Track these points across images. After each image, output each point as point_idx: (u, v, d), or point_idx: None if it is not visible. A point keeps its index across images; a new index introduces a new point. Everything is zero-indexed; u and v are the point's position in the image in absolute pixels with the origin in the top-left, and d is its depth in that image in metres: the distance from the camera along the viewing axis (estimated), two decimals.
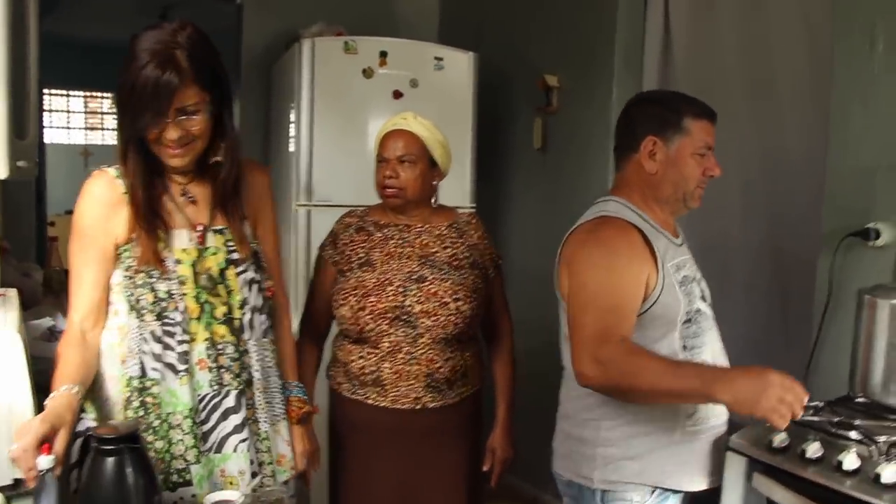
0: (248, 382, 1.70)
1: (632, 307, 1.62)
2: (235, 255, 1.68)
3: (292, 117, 3.12)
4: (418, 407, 1.99)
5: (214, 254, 1.65)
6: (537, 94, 3.42)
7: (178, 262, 1.61)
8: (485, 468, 2.14)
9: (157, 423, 1.60)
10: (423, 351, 1.98)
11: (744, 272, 2.76)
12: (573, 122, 3.29)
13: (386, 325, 1.97)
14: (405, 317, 1.96)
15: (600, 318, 1.55)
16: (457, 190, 3.31)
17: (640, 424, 1.68)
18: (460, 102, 3.30)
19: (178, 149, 1.56)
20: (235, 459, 1.66)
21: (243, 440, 1.66)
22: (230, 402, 1.66)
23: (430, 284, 1.99)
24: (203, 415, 1.64)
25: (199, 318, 1.63)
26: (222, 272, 1.66)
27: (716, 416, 1.74)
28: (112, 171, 1.61)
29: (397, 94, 3.14)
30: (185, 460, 1.61)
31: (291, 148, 3.14)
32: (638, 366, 1.47)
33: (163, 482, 1.55)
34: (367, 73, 3.10)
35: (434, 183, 2.10)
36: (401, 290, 1.98)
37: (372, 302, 1.97)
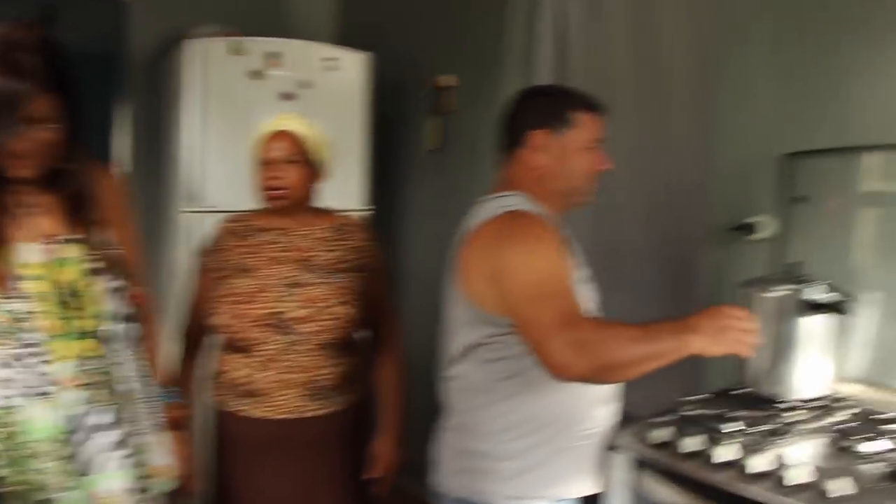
0: (124, 395, 1.62)
1: (574, 291, 1.53)
2: (96, 265, 1.59)
3: (179, 121, 3.00)
4: (300, 417, 1.93)
5: (72, 265, 1.56)
6: (434, 95, 3.40)
7: (32, 277, 1.52)
8: (371, 475, 2.09)
9: (18, 452, 1.50)
10: (303, 358, 1.92)
11: (633, 270, 2.79)
12: (469, 123, 3.27)
13: (263, 332, 1.91)
14: (283, 323, 1.91)
15: (555, 305, 1.43)
16: (351, 192, 3.27)
17: (541, 432, 1.63)
18: (354, 104, 3.25)
19: (27, 160, 1.46)
20: (116, 478, 1.58)
21: (123, 457, 1.59)
22: (105, 418, 1.58)
23: (308, 289, 1.93)
24: (74, 436, 1.54)
25: (62, 335, 1.54)
26: (83, 284, 1.57)
27: (606, 419, 1.73)
28: None
29: (288, 96, 3.07)
30: (53, 489, 1.52)
31: (179, 153, 3.02)
32: (615, 337, 1.39)
33: None
34: (256, 74, 3.01)
35: (317, 185, 2.06)
36: (278, 295, 1.92)
37: (248, 309, 1.91)
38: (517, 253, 1.53)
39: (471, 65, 3.30)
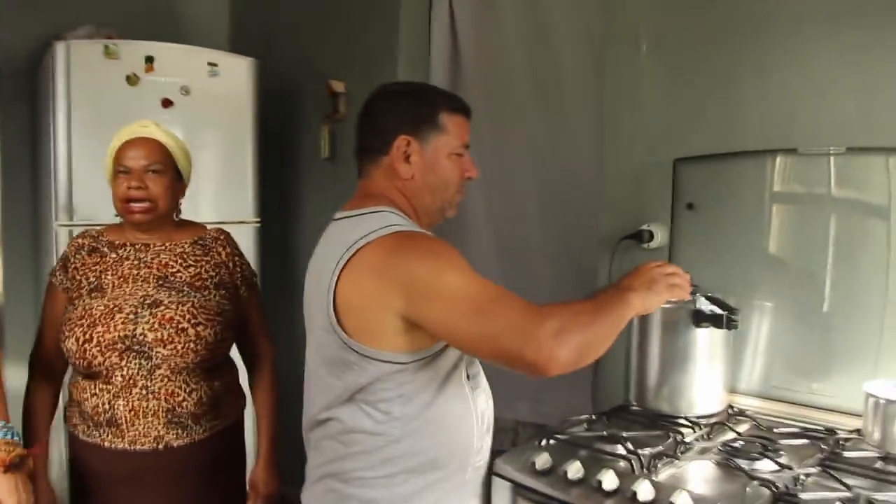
0: None
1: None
2: None
3: (50, 129, 2.77)
4: (161, 447, 1.77)
5: None
6: (325, 102, 3.26)
7: None
8: None
9: None
10: (160, 384, 1.76)
11: (530, 277, 2.71)
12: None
13: (117, 357, 1.74)
14: (138, 347, 1.74)
15: (511, 306, 1.28)
16: (239, 203, 3.10)
17: (435, 470, 1.47)
18: (239, 111, 3.08)
19: None
20: None
21: None
22: None
23: (165, 309, 1.78)
24: None
25: None
26: None
27: (489, 446, 1.60)
28: None
29: (167, 103, 2.87)
30: None
31: (50, 163, 2.79)
32: (579, 313, 1.30)
33: None
34: (132, 79, 2.81)
35: (180, 197, 1.93)
36: (132, 316, 1.76)
37: (100, 332, 1.74)
38: (434, 274, 1.32)
39: (360, 70, 3.17)
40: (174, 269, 1.85)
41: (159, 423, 1.76)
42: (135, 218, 1.83)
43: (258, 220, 3.15)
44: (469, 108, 1.60)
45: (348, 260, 1.37)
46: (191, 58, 2.95)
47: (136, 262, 1.85)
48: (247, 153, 3.11)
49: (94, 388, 1.77)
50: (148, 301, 1.79)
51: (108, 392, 1.76)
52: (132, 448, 1.75)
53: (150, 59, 2.84)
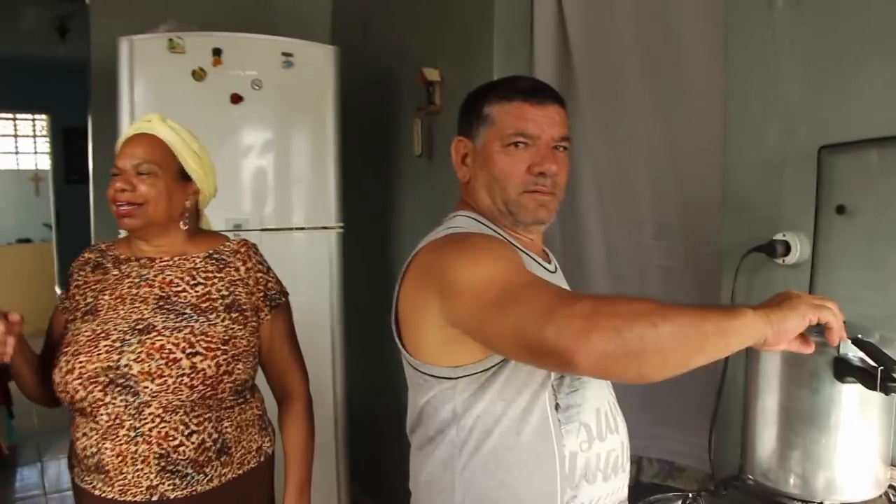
0: None
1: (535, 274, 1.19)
2: None
3: (118, 129, 2.61)
4: (155, 498, 1.48)
5: None
6: (419, 92, 2.90)
7: None
8: None
9: None
10: (151, 424, 1.48)
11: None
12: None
13: (100, 391, 1.47)
14: (122, 380, 1.47)
15: (541, 289, 1.09)
16: (320, 207, 2.81)
17: None
18: (319, 105, 2.79)
19: None
20: None
21: None
22: None
23: (157, 336, 1.50)
24: None
25: None
26: None
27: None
28: None
29: (236, 98, 2.63)
30: None
31: None
32: (639, 303, 1.02)
33: None
34: (198, 74, 2.59)
35: (187, 203, 1.65)
36: (117, 344, 1.49)
37: (82, 362, 1.48)
38: (466, 265, 1.18)
39: (456, 56, 2.80)
40: (179, 289, 1.58)
41: (151, 472, 1.48)
42: (122, 223, 1.58)
43: (341, 225, 2.86)
44: (538, 90, 1.37)
45: (405, 271, 1.30)
46: (262, 48, 2.70)
47: (136, 280, 1.59)
48: (327, 151, 2.82)
49: (85, 426, 1.53)
50: (140, 326, 1.52)
51: (96, 433, 1.50)
52: (122, 498, 1.48)
53: (217, 52, 2.62)
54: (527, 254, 1.37)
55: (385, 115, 3.20)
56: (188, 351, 1.50)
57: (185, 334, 1.51)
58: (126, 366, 1.47)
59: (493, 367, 1.24)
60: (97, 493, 1.50)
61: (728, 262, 1.83)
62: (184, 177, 1.62)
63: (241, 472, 1.61)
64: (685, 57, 2.17)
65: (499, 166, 1.34)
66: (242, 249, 1.68)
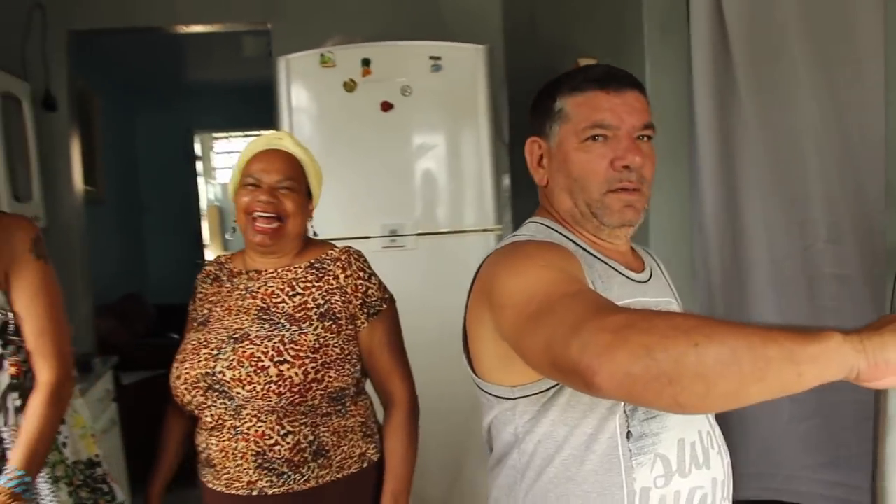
0: None
1: (586, 285, 1.10)
2: None
3: None
4: (255, 493, 1.56)
5: None
6: None
7: None
8: None
9: None
10: (249, 424, 1.56)
11: (814, 313, 1.92)
12: None
13: (201, 396, 1.57)
14: (217, 385, 1.55)
15: (581, 299, 0.97)
16: (478, 208, 2.75)
17: None
18: (470, 106, 2.73)
19: None
20: None
21: None
22: None
23: (249, 345, 1.56)
24: None
25: None
26: None
27: None
28: None
29: (386, 106, 2.66)
30: None
31: None
32: (682, 319, 0.88)
33: None
34: (349, 85, 2.65)
35: (309, 221, 1.74)
36: (214, 352, 1.58)
37: (186, 369, 1.60)
38: (511, 274, 1.10)
39: (611, 44, 2.60)
40: (278, 300, 1.63)
41: (249, 468, 1.57)
42: (257, 238, 1.64)
43: (499, 227, 2.78)
44: (608, 75, 1.22)
45: (472, 283, 1.24)
46: (410, 55, 2.70)
47: (243, 293, 1.67)
48: (483, 151, 2.76)
49: (199, 424, 1.65)
50: (236, 336, 1.59)
51: (205, 430, 1.63)
52: (228, 492, 1.59)
53: (366, 63, 2.67)
54: (605, 262, 1.24)
55: None
56: (276, 359, 1.54)
57: (275, 343, 1.56)
58: (220, 372, 1.55)
59: (552, 387, 1.14)
60: (210, 486, 1.63)
61: (893, 265, 1.51)
62: (308, 194, 1.70)
63: (340, 475, 1.62)
64: (857, 31, 1.83)
65: (577, 164, 1.22)
66: (343, 257, 1.69)
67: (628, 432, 1.14)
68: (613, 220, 1.22)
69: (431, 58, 2.68)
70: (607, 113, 1.19)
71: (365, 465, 1.67)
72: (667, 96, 2.37)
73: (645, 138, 1.23)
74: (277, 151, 1.67)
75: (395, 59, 2.68)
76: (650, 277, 1.32)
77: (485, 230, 2.74)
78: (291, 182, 1.65)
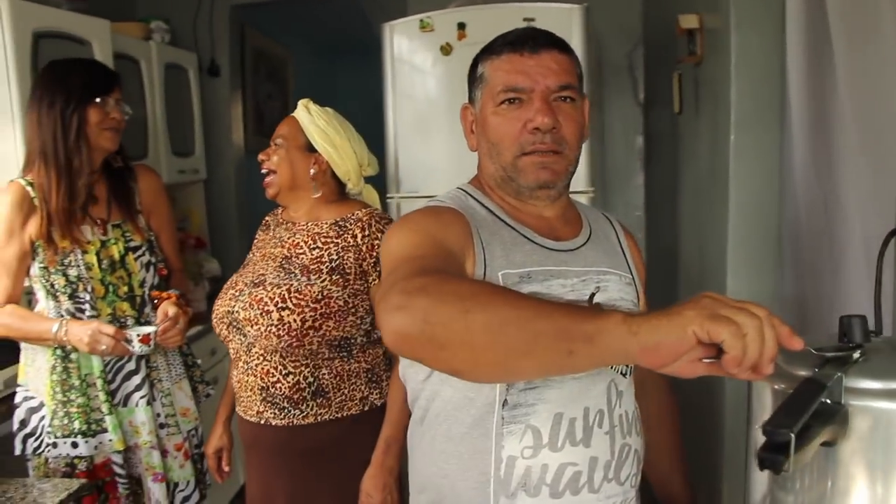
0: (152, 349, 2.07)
1: (447, 251, 1.12)
2: (133, 243, 2.11)
3: (383, 109, 2.88)
4: (262, 422, 1.79)
5: (115, 243, 2.08)
6: (680, 43, 2.61)
7: (83, 252, 2.02)
8: None
9: (77, 383, 2.02)
10: (257, 361, 1.77)
11: None
12: (714, 75, 2.40)
13: (225, 330, 1.82)
14: (235, 323, 1.78)
15: (408, 265, 1.02)
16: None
17: None
18: None
19: (116, 136, 2.09)
20: (139, 412, 2.10)
21: (143, 396, 2.09)
22: (131, 365, 2.09)
23: (262, 290, 1.75)
24: (110, 376, 2.06)
25: (104, 297, 2.04)
26: (122, 258, 2.08)
27: None
28: (23, 181, 2.00)
29: None
30: (101, 412, 2.04)
31: (387, 141, 2.91)
32: (472, 288, 0.91)
33: (87, 430, 2.02)
34: (445, 49, 2.72)
35: (311, 171, 1.86)
36: (237, 294, 1.80)
37: (218, 305, 1.85)
38: (385, 244, 1.19)
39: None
40: (300, 251, 1.81)
41: (257, 399, 1.78)
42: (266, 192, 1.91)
43: (592, 189, 2.73)
44: (524, 37, 1.25)
45: None
46: (504, 16, 2.70)
47: (277, 241, 1.88)
48: None
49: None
50: (256, 280, 1.80)
51: (231, 362, 1.89)
52: (245, 417, 1.84)
53: (462, 26, 2.72)
54: (514, 230, 1.26)
55: (648, 74, 2.94)
56: (280, 305, 1.71)
57: (282, 291, 1.73)
58: (237, 311, 1.77)
59: None
60: (237, 410, 1.88)
61: None
62: (310, 149, 1.85)
63: (339, 415, 1.78)
64: None
65: (493, 128, 1.24)
66: (365, 218, 1.82)
67: (505, 400, 1.17)
68: (529, 182, 1.23)
69: (525, 19, 2.66)
70: (520, 76, 1.21)
71: (366, 408, 1.80)
72: (755, 56, 2.21)
73: (567, 99, 1.23)
74: (289, 117, 1.90)
75: (490, 21, 2.70)
76: (582, 245, 1.30)
77: (578, 192, 2.71)
78: (281, 140, 1.86)
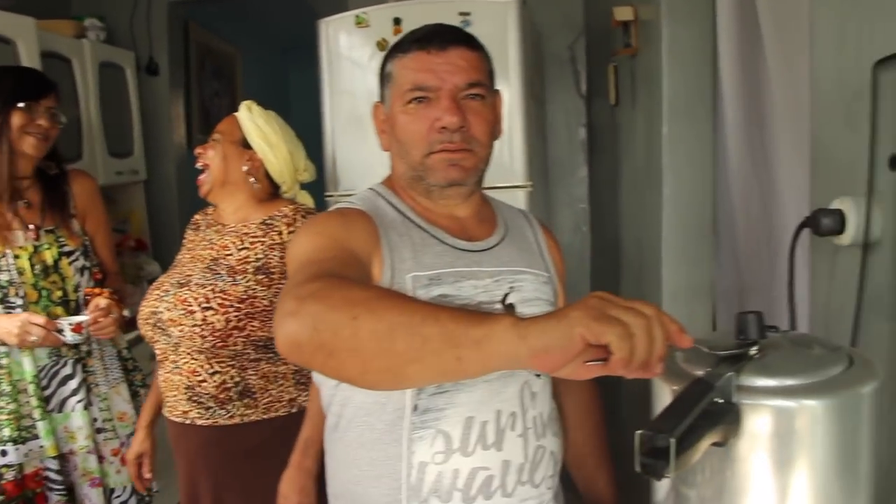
0: (88, 353, 2.14)
1: (350, 254, 1.10)
2: (67, 248, 2.11)
3: (319, 104, 2.85)
4: (188, 422, 1.76)
5: (48, 248, 2.08)
6: (614, 35, 2.61)
7: (15, 257, 2.01)
8: None
9: (8, 389, 1.99)
10: (184, 360, 1.75)
11: None
12: (652, 67, 2.40)
13: (150, 331, 1.79)
14: (160, 324, 1.75)
15: (304, 271, 0.99)
16: (508, 165, 2.70)
17: None
18: (501, 61, 2.60)
19: (44, 144, 2.07)
20: (75, 417, 2.08)
21: (80, 401, 2.08)
22: (67, 370, 2.08)
23: (186, 290, 1.73)
24: (45, 381, 2.05)
25: (37, 302, 2.04)
26: (56, 263, 2.08)
27: None
28: None
29: None
30: (32, 418, 2.02)
31: (324, 138, 2.87)
32: (363, 294, 0.87)
33: (17, 437, 1.99)
34: (381, 45, 2.69)
35: (244, 167, 1.84)
36: (161, 294, 1.78)
37: (143, 306, 1.82)
38: (291, 243, 1.20)
39: None
40: (228, 252, 1.79)
41: (183, 398, 1.75)
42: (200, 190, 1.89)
43: (530, 182, 2.72)
44: (431, 34, 1.23)
45: None
46: (439, 11, 2.68)
47: (207, 243, 1.85)
48: (513, 107, 2.69)
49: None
50: (182, 281, 1.77)
51: (158, 362, 1.85)
52: (171, 418, 1.81)
53: (397, 21, 2.69)
54: (425, 230, 1.24)
55: (590, 65, 2.93)
56: (204, 305, 1.69)
57: (207, 291, 1.71)
58: (161, 312, 1.73)
59: None
60: (163, 411, 1.84)
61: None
62: (245, 145, 1.84)
63: (266, 416, 1.76)
64: None
65: (402, 128, 1.22)
66: (291, 214, 1.81)
67: (415, 405, 1.15)
68: (438, 180, 1.22)
69: (461, 13, 2.65)
70: (427, 74, 1.19)
71: (294, 410, 1.77)
72: (687, 46, 2.21)
73: (476, 97, 1.21)
74: (229, 115, 1.89)
75: (425, 16, 2.61)
76: (496, 245, 1.29)
77: (515, 187, 2.71)
78: (219, 135, 1.85)
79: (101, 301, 2.05)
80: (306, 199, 1.99)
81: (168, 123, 3.71)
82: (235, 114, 1.87)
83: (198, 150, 1.87)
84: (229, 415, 1.74)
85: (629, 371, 0.76)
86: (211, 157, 1.84)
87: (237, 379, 1.73)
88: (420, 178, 1.23)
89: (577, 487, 1.49)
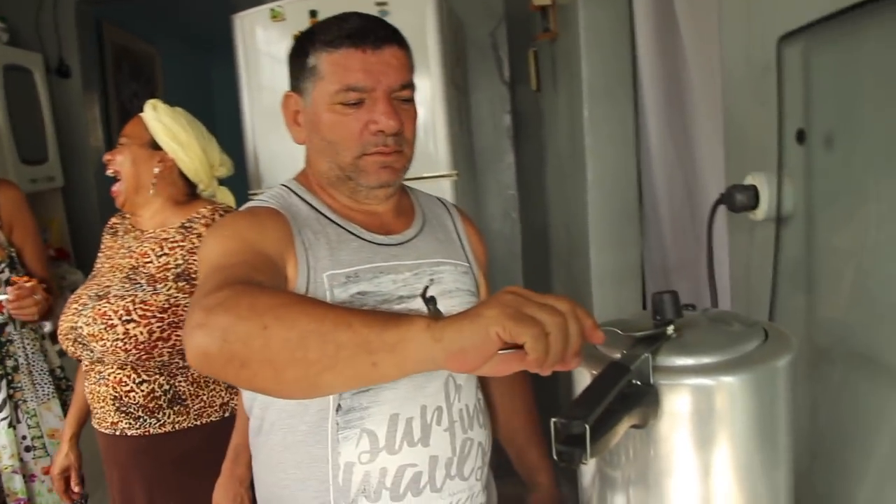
0: (15, 368, 2.08)
1: (262, 257, 1.06)
2: None
3: (239, 101, 2.78)
4: (117, 433, 1.70)
5: None
6: (533, 21, 2.61)
7: None
8: None
9: None
10: (109, 371, 1.69)
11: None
12: (571, 51, 2.41)
13: (72, 346, 1.72)
14: (80, 339, 1.68)
15: (213, 277, 0.95)
16: (433, 155, 2.67)
17: None
18: (420, 51, 2.61)
19: None
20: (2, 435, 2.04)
21: (4, 418, 2.03)
22: None
23: (105, 303, 1.66)
24: None
25: None
26: None
27: None
28: None
29: None
30: None
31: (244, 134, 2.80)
32: (271, 301, 0.83)
33: None
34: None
35: (155, 169, 1.78)
36: (80, 308, 1.70)
37: (62, 320, 1.74)
38: (202, 246, 1.12)
39: None
40: (147, 260, 1.72)
41: (110, 409, 1.70)
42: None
43: (455, 171, 2.70)
44: (364, 31, 1.17)
45: None
46: (355, 3, 2.55)
47: (125, 251, 1.78)
48: (436, 97, 2.67)
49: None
50: (101, 293, 1.70)
51: (83, 373, 1.79)
52: (100, 430, 1.75)
53: (314, 14, 2.64)
54: (342, 227, 1.21)
55: (512, 52, 2.93)
56: (124, 318, 1.63)
57: (126, 303, 1.64)
58: (80, 327, 1.66)
59: None
60: (92, 423, 1.78)
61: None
62: (155, 147, 1.77)
63: (198, 422, 1.71)
64: None
65: (331, 127, 1.17)
66: (209, 214, 1.76)
67: (339, 405, 1.13)
68: (370, 182, 1.19)
69: (378, 3, 2.61)
70: (362, 74, 1.14)
71: (227, 414, 1.74)
72: (604, 29, 2.22)
73: (406, 99, 1.19)
74: (135, 117, 1.82)
75: (341, 8, 2.55)
76: (414, 237, 1.26)
77: (439, 176, 2.69)
78: (126, 139, 1.79)
79: (25, 283, 1.99)
80: (226, 197, 1.94)
81: (84, 127, 3.57)
82: (140, 115, 1.81)
83: (106, 157, 1.81)
84: (160, 423, 1.69)
85: (544, 369, 0.76)
86: (121, 163, 1.78)
87: (166, 387, 1.68)
88: (349, 178, 1.19)
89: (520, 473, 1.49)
